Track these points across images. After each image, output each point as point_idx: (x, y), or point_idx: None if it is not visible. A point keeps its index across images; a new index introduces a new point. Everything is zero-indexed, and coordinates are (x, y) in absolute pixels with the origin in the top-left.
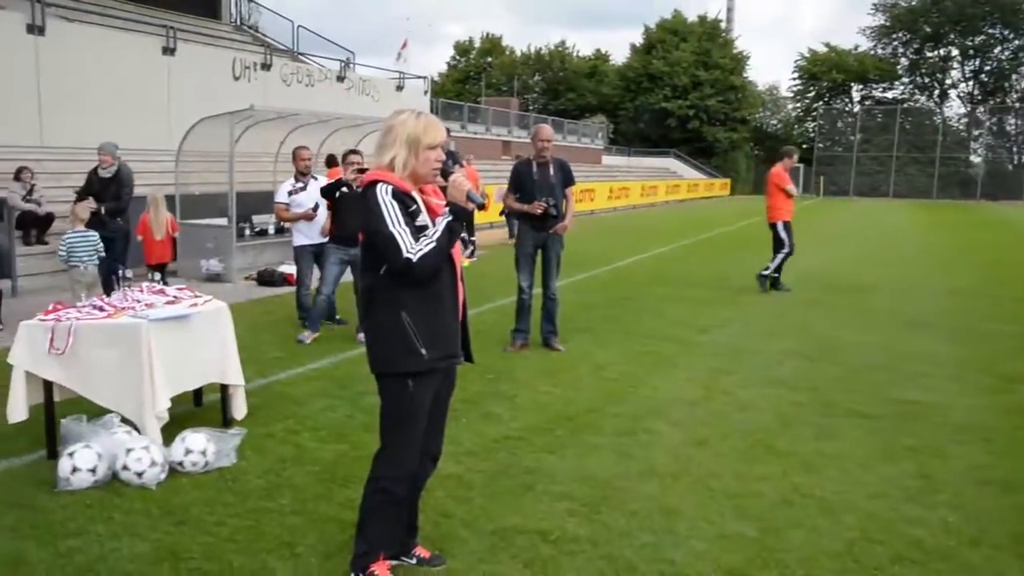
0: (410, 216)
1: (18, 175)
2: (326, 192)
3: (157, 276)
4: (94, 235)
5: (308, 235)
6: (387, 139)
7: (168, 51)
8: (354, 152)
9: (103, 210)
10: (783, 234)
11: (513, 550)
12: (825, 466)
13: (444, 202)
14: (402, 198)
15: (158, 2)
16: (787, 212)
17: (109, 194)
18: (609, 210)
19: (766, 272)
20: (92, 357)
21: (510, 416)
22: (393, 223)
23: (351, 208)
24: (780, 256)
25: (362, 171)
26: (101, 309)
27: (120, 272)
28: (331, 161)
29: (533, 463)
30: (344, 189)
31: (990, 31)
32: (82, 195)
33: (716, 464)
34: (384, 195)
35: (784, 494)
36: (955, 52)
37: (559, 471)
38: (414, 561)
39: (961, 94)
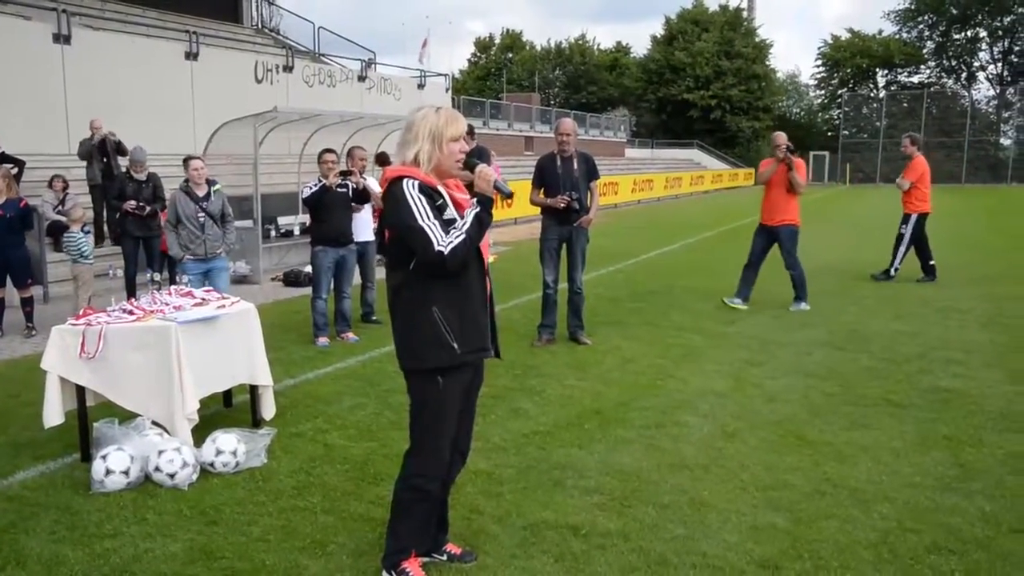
0: (438, 210)
1: (51, 184)
2: (314, 200)
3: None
4: (78, 236)
5: (358, 233)
6: (409, 135)
7: (191, 56)
8: (330, 151)
9: (157, 212)
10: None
11: (544, 545)
12: (858, 456)
13: (467, 196)
14: (429, 192)
15: (180, 8)
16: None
17: (145, 195)
18: (633, 203)
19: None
20: (122, 360)
21: (539, 411)
22: (423, 217)
23: (337, 208)
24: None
25: (345, 173)
26: (130, 313)
27: (150, 275)
28: (382, 159)
29: (562, 458)
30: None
31: (1020, 11)
32: (121, 199)
33: (746, 456)
34: (411, 190)
35: (816, 485)
36: (983, 33)
37: (588, 465)
38: (445, 557)
39: (990, 76)
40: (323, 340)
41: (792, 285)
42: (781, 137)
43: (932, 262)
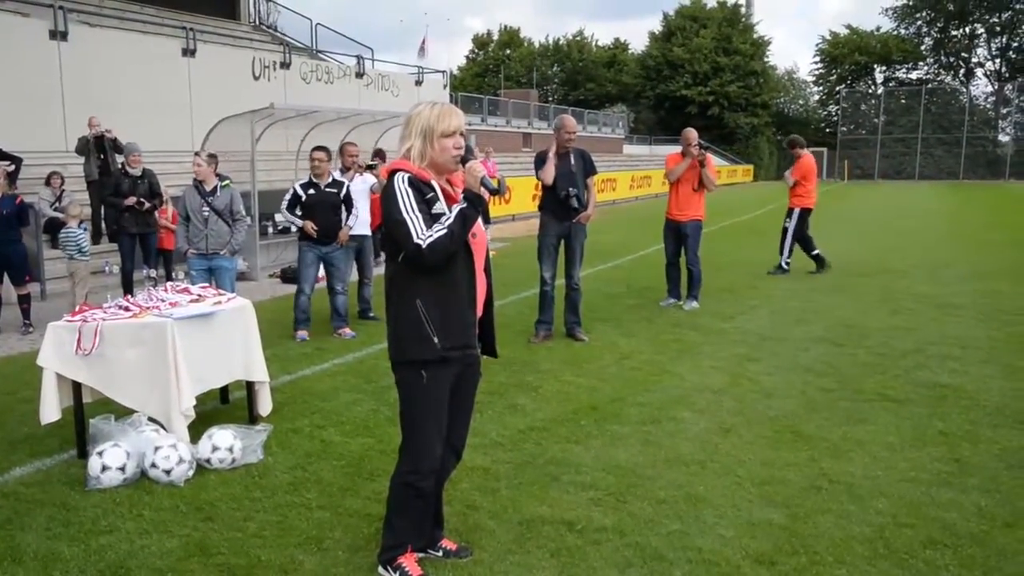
0: (426, 204)
1: (48, 181)
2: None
3: (154, 273)
4: (76, 232)
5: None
6: (405, 131)
7: (188, 52)
8: (318, 149)
9: (155, 207)
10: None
11: (540, 540)
12: (853, 451)
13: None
14: (419, 186)
15: (177, 4)
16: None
17: (141, 191)
18: (631, 199)
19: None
20: (118, 357)
21: (535, 407)
22: (405, 210)
23: (320, 207)
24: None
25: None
26: (126, 309)
27: (146, 272)
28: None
29: (559, 453)
30: (312, 190)
31: (1018, 7)
32: (117, 195)
33: (743, 451)
34: (400, 183)
35: (812, 480)
36: (981, 30)
37: (585, 461)
38: (441, 553)
39: (988, 72)
40: (302, 333)
41: (688, 282)
42: (692, 134)
43: (816, 252)
